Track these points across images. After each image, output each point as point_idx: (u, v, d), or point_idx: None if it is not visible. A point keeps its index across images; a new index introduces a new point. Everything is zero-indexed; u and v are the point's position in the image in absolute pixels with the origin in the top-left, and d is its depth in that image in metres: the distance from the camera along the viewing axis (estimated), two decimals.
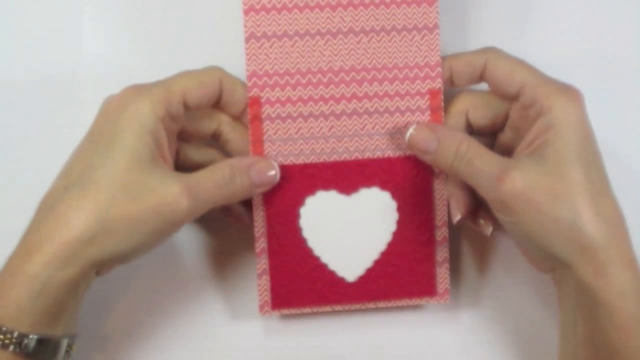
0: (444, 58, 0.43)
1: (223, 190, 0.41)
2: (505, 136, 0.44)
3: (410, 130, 0.42)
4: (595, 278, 0.37)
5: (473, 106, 0.43)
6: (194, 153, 0.44)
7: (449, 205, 0.44)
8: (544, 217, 0.38)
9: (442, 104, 0.44)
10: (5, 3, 0.46)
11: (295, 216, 0.44)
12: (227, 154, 0.44)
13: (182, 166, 0.43)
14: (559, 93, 0.39)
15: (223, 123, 0.44)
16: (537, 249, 0.39)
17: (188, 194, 0.39)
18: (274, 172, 0.43)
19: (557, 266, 0.39)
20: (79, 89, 0.46)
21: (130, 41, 0.46)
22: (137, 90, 0.40)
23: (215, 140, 0.44)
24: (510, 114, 0.43)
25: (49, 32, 0.46)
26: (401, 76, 0.44)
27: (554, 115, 0.39)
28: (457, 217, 0.43)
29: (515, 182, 0.38)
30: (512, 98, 0.42)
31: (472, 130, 0.44)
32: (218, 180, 0.40)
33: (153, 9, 0.46)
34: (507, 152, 0.43)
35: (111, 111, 0.39)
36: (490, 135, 0.45)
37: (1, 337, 0.36)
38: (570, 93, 0.40)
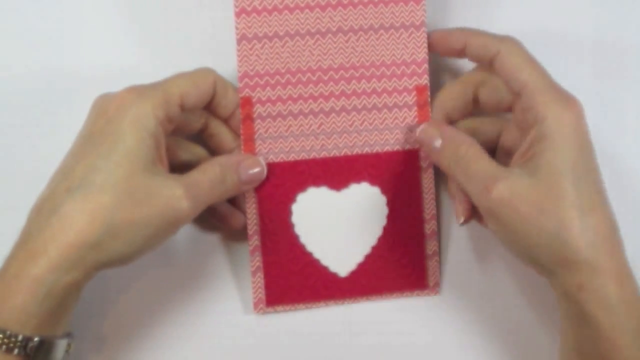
0: (462, 28, 0.43)
1: (217, 189, 0.41)
2: (510, 135, 0.44)
3: (421, 127, 0.44)
4: (579, 291, 0.37)
5: (483, 82, 0.43)
6: (182, 151, 0.44)
7: (455, 207, 0.44)
8: (529, 229, 0.38)
9: (429, 100, 0.45)
10: (5, 4, 0.46)
11: (287, 213, 0.45)
12: (210, 149, 0.45)
13: (170, 164, 0.43)
14: (555, 102, 0.39)
15: (210, 118, 0.44)
16: (526, 258, 0.40)
17: (188, 196, 0.39)
18: (260, 169, 0.44)
19: (548, 274, 0.39)
20: (78, 90, 0.46)
21: (129, 42, 0.46)
22: (137, 93, 0.39)
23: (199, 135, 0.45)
24: (514, 111, 0.43)
25: (49, 33, 0.46)
26: (388, 73, 0.44)
27: (547, 125, 0.39)
28: (460, 220, 0.44)
29: (502, 192, 0.38)
30: (515, 95, 0.42)
31: (477, 104, 0.44)
32: (212, 180, 0.41)
33: (151, 11, 0.46)
34: (511, 152, 0.43)
35: (111, 113, 0.39)
36: (495, 121, 0.45)
37: (6, 340, 0.36)
38: (567, 103, 0.39)
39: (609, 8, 0.47)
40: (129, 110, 0.39)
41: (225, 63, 0.44)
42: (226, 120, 0.44)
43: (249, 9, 0.43)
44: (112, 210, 0.37)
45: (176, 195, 0.39)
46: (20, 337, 0.36)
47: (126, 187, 0.38)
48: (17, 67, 0.46)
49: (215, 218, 0.45)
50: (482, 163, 0.40)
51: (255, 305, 0.45)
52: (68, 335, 0.39)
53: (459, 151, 0.41)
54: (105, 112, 0.39)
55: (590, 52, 0.47)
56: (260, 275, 0.45)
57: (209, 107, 0.43)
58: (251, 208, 0.45)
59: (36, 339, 0.36)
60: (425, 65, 0.44)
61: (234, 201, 0.45)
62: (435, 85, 0.46)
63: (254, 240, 0.45)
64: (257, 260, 0.45)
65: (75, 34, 0.46)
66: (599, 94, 0.47)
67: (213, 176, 0.41)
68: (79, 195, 0.37)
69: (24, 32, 0.46)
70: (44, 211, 0.37)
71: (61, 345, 0.38)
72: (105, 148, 0.38)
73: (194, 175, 0.41)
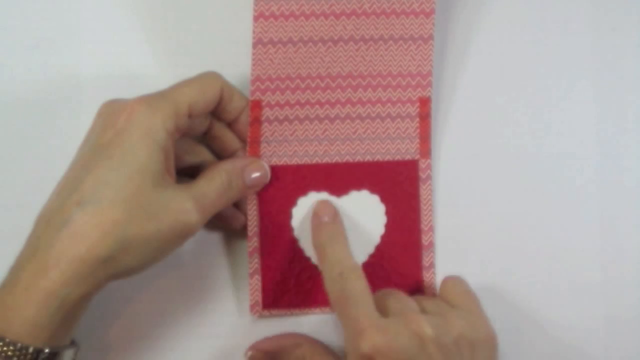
0: None
1: (224, 197, 0.42)
2: None
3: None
4: None
5: None
6: (186, 154, 0.44)
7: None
8: None
9: (431, 112, 0.46)
10: (6, 4, 0.46)
11: (288, 216, 0.45)
12: (213, 150, 0.45)
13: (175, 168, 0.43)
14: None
15: (214, 120, 0.44)
16: None
17: (198, 208, 0.39)
18: (264, 172, 0.44)
19: None
20: (81, 91, 0.46)
21: (134, 43, 0.46)
22: (147, 105, 0.39)
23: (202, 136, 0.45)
24: None
25: (51, 33, 0.46)
26: (394, 83, 0.45)
27: None
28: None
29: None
30: None
31: None
32: (219, 189, 0.41)
33: (153, 12, 0.46)
34: None
35: (120, 124, 0.38)
36: None
37: (17, 352, 0.35)
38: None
39: (608, 9, 0.48)
40: (139, 123, 0.38)
41: (232, 65, 0.44)
42: (230, 124, 0.45)
43: (267, 13, 0.43)
44: (123, 225, 0.37)
45: (186, 208, 0.39)
46: (31, 349, 0.36)
47: (137, 201, 0.37)
48: (19, 67, 0.46)
49: (216, 218, 0.45)
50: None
51: (252, 308, 0.45)
52: (74, 343, 0.39)
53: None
54: (114, 122, 0.39)
55: (590, 53, 0.48)
56: (257, 277, 0.45)
57: (214, 111, 0.43)
58: (252, 209, 0.45)
59: (47, 350, 0.36)
60: (430, 78, 0.45)
61: (237, 204, 0.45)
62: (435, 97, 0.46)
63: (253, 242, 0.45)
64: (256, 262, 0.45)
65: (78, 34, 0.46)
66: (599, 93, 0.48)
67: (220, 184, 0.41)
68: (91, 209, 0.37)
69: (25, 32, 0.46)
70: (54, 223, 0.37)
71: (69, 354, 0.38)
72: (116, 161, 0.38)
73: (202, 186, 0.41)
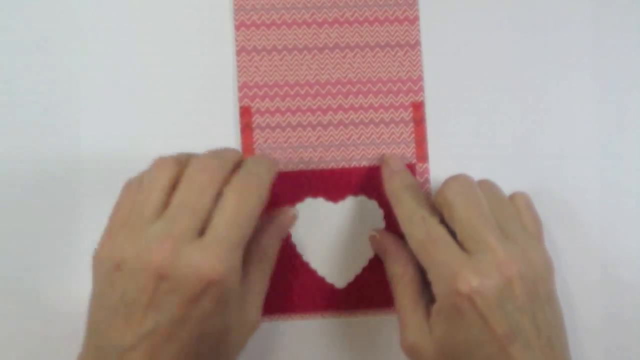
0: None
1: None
2: None
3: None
4: None
5: None
6: None
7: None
8: None
9: (425, 116, 0.46)
10: (6, 6, 0.47)
11: None
12: None
13: None
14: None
15: None
16: None
17: (260, 312, 0.42)
18: (294, 216, 0.46)
19: None
20: (79, 92, 0.46)
21: (131, 45, 0.47)
22: (224, 268, 0.37)
23: None
24: None
25: (50, 35, 0.47)
26: (385, 89, 0.46)
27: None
28: None
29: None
30: None
31: None
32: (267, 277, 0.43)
33: (153, 12, 0.47)
34: None
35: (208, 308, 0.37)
36: None
37: None
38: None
39: (609, 8, 0.48)
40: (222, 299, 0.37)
41: (226, 72, 0.46)
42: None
43: (248, 22, 0.45)
44: None
45: (255, 326, 0.41)
46: None
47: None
48: (19, 67, 0.46)
49: None
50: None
51: None
52: None
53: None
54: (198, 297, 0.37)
55: (591, 52, 0.48)
56: None
57: None
58: None
59: None
60: (421, 83, 0.46)
61: None
62: (435, 101, 0.47)
63: None
64: None
65: (78, 34, 0.46)
66: (599, 93, 0.48)
67: (268, 275, 0.43)
68: None
69: (25, 32, 0.46)
70: None
71: None
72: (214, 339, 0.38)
73: (260, 288, 0.42)
